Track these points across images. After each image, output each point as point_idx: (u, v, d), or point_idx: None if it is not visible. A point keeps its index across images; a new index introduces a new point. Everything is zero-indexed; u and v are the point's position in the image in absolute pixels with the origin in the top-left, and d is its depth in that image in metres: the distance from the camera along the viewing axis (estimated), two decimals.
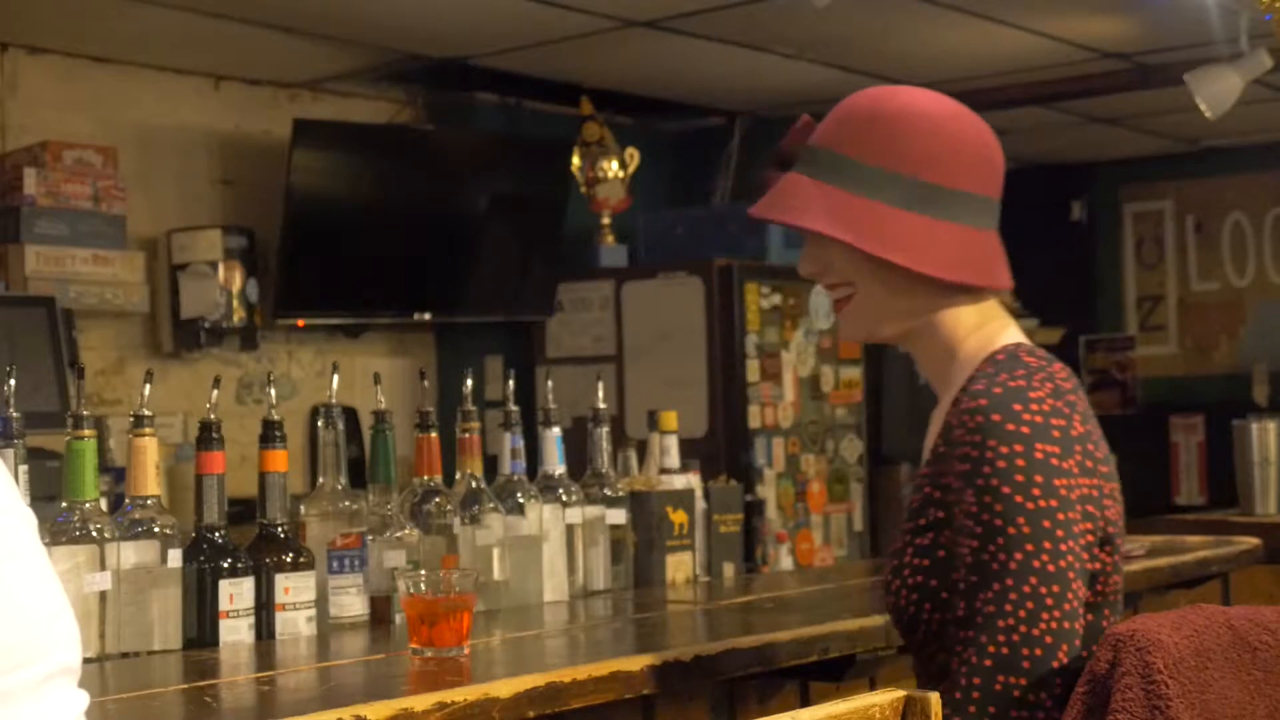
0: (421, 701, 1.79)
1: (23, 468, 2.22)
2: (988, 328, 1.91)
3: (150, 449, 2.28)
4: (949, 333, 1.91)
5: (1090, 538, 1.80)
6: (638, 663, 2.05)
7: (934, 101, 1.90)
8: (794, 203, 1.89)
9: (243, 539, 2.38)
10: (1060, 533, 1.74)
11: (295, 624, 2.36)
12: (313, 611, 2.39)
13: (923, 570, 1.83)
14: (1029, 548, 1.73)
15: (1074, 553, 1.76)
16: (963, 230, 1.86)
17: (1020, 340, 1.90)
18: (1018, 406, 1.76)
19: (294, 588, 2.37)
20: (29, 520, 1.20)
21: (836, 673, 2.40)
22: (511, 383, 2.83)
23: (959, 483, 1.78)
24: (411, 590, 2.15)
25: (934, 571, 1.82)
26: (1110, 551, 1.82)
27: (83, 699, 1.19)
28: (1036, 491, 1.74)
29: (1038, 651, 1.73)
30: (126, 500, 2.29)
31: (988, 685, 1.73)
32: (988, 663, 1.73)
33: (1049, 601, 1.73)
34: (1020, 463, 1.74)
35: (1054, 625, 1.73)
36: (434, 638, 2.12)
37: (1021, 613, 1.73)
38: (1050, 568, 1.74)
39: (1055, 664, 1.73)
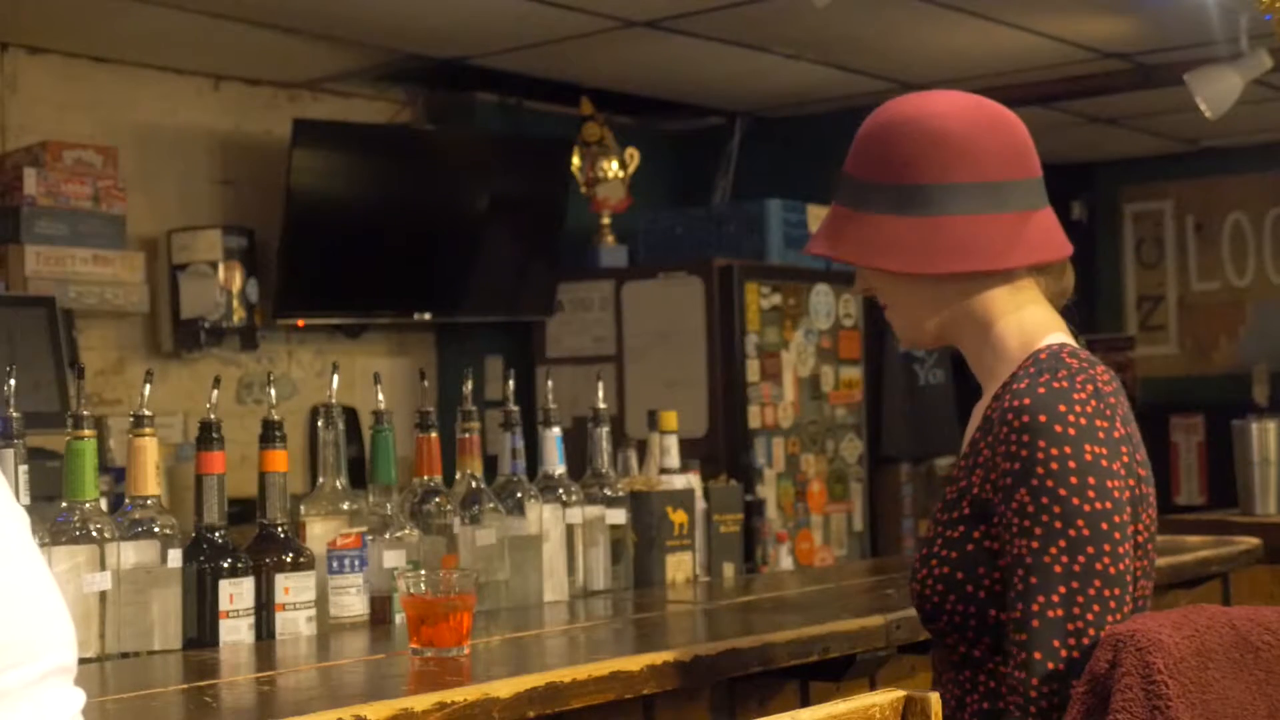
0: (421, 701, 1.78)
1: (23, 468, 2.22)
2: (1026, 318, 1.90)
3: (150, 449, 2.28)
4: (982, 320, 1.91)
5: (1140, 539, 1.81)
6: (638, 663, 2.05)
7: (924, 103, 1.92)
8: (817, 232, 1.97)
9: (243, 539, 2.38)
10: (1117, 535, 1.74)
11: (295, 624, 2.36)
12: (313, 611, 2.39)
13: (950, 562, 1.83)
14: (1090, 550, 1.73)
15: (1129, 555, 1.76)
16: (968, 220, 1.86)
17: (1064, 341, 1.90)
18: (1062, 408, 1.76)
19: (294, 588, 2.37)
20: (22, 519, 1.20)
21: (836, 673, 2.40)
22: (511, 383, 2.83)
23: (1008, 480, 1.77)
24: (411, 590, 2.15)
25: (961, 564, 1.82)
26: (1143, 555, 1.82)
27: (79, 697, 1.19)
28: (1092, 494, 1.74)
29: None
30: (126, 500, 2.29)
31: (1062, 689, 1.71)
32: (1060, 668, 1.72)
33: (1112, 604, 1.73)
34: (1072, 464, 1.74)
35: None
36: (434, 638, 2.12)
37: (1090, 615, 1.73)
38: (1112, 570, 1.74)
39: None
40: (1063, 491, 1.73)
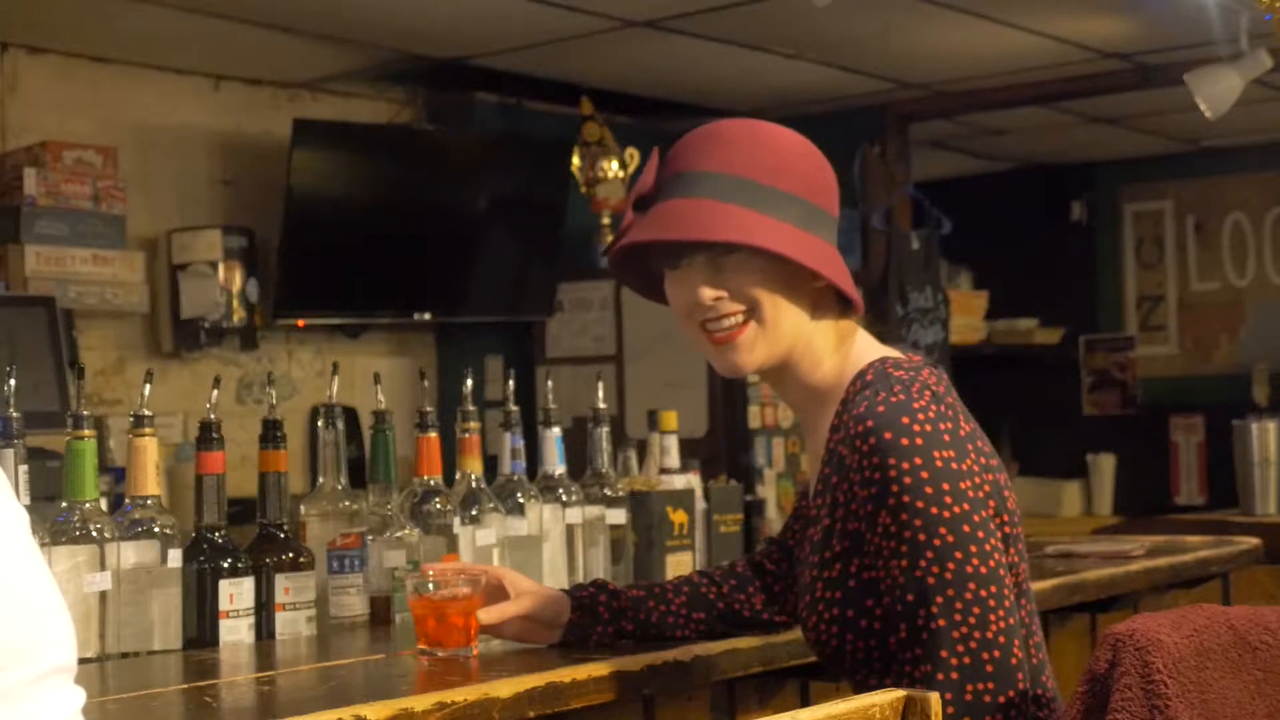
0: (421, 701, 1.79)
1: (23, 468, 2.22)
2: (844, 345, 1.94)
3: (150, 449, 2.28)
4: (818, 354, 1.94)
5: (1005, 530, 1.83)
6: (638, 663, 2.05)
7: (793, 132, 1.96)
8: (720, 222, 1.87)
9: (243, 539, 2.38)
10: (981, 534, 1.78)
11: (295, 624, 2.37)
12: (313, 611, 2.39)
13: (837, 603, 1.85)
14: (958, 555, 1.76)
15: (997, 550, 1.79)
16: (837, 252, 1.93)
17: (884, 354, 1.93)
18: (906, 420, 1.78)
19: (294, 588, 2.37)
20: (22, 519, 1.20)
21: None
22: (511, 383, 2.83)
23: (868, 507, 1.79)
24: (420, 591, 2.14)
25: (848, 602, 1.84)
26: (1013, 542, 1.86)
27: (79, 696, 1.19)
28: (949, 499, 1.76)
29: (996, 654, 1.76)
30: (126, 500, 2.29)
31: (959, 698, 1.74)
32: (954, 675, 1.75)
33: (991, 603, 1.76)
34: (925, 474, 1.76)
35: (1002, 624, 1.76)
36: (443, 639, 2.11)
37: (971, 619, 1.75)
38: (983, 569, 1.77)
39: (1013, 660, 1.76)
40: (920, 504, 1.76)
